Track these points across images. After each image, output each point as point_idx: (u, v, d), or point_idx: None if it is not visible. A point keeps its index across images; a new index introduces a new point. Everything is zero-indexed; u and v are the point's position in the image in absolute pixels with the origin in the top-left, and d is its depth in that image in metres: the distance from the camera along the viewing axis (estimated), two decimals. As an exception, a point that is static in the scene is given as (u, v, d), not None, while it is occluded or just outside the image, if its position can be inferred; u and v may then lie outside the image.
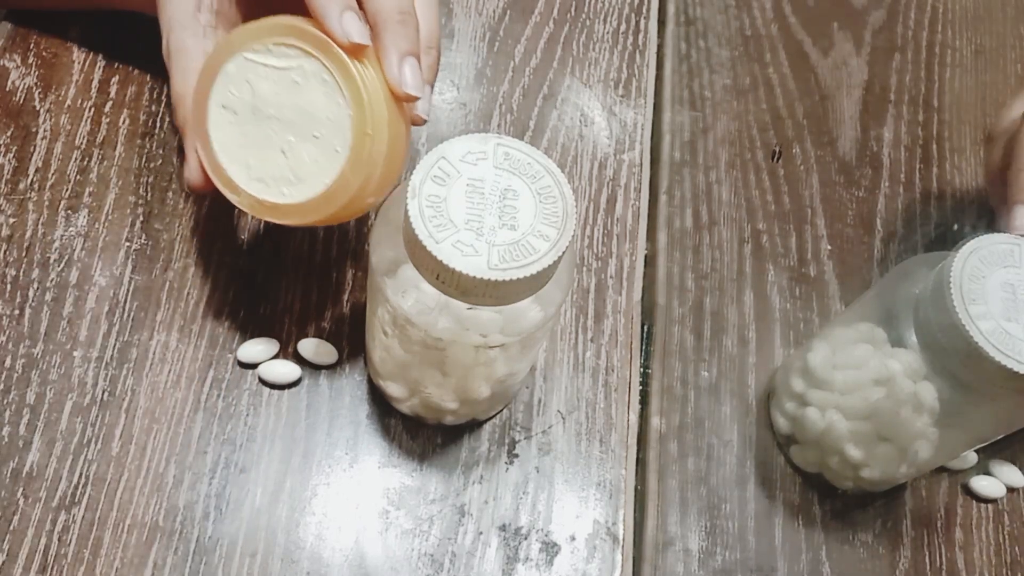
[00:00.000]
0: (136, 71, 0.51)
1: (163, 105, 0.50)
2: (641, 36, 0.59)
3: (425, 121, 0.37)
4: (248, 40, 0.35)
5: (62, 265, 0.45)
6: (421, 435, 0.44)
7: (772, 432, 0.47)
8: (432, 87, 0.39)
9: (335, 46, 0.34)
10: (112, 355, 0.43)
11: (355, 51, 0.34)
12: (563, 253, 0.31)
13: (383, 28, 0.35)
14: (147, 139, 0.49)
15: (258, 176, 0.36)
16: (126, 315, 0.44)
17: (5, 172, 0.47)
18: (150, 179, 0.48)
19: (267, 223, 0.45)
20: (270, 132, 0.36)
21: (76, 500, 0.40)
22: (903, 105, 0.60)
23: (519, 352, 0.38)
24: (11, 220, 0.46)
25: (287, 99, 0.35)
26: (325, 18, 0.34)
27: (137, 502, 0.41)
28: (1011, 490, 0.47)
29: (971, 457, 0.47)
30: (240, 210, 0.39)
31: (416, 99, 0.35)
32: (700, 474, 0.46)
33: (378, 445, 0.43)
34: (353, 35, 0.33)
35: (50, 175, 0.47)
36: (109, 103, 0.50)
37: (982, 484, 0.47)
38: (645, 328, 0.49)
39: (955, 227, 0.52)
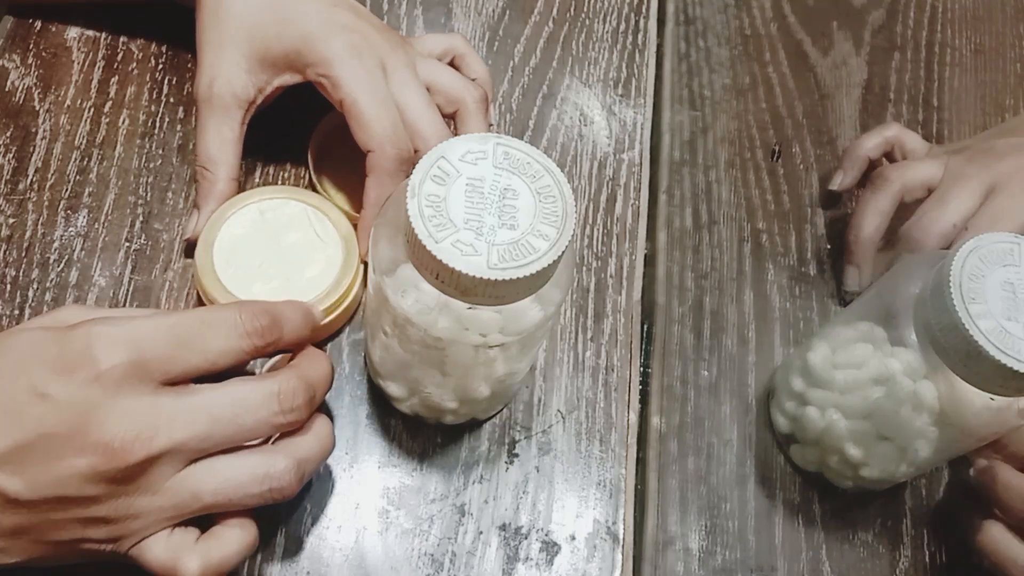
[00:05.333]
0: (136, 71, 0.51)
1: (163, 105, 0.50)
2: (640, 35, 0.59)
3: None
4: (313, 199, 0.46)
5: (62, 265, 0.45)
6: (421, 435, 0.44)
7: (772, 431, 0.47)
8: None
9: (357, 254, 0.45)
10: (112, 355, 0.43)
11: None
12: (563, 252, 0.31)
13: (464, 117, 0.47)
14: (147, 139, 0.49)
15: (230, 261, 0.44)
16: (126, 315, 0.44)
17: (5, 172, 0.47)
18: (150, 179, 0.48)
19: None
20: (266, 251, 0.44)
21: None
22: (903, 104, 0.60)
23: (519, 352, 0.38)
24: (11, 220, 0.46)
25: (300, 250, 0.45)
26: (360, 239, 0.45)
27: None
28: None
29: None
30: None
31: None
32: (700, 473, 0.46)
33: (378, 445, 0.43)
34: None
35: (50, 175, 0.47)
36: (109, 103, 0.50)
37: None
38: (645, 327, 0.49)
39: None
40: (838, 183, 0.53)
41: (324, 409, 0.44)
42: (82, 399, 0.31)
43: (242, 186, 0.47)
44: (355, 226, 0.46)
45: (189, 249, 0.46)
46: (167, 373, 0.33)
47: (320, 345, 0.45)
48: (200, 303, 0.44)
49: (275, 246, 0.44)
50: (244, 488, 0.34)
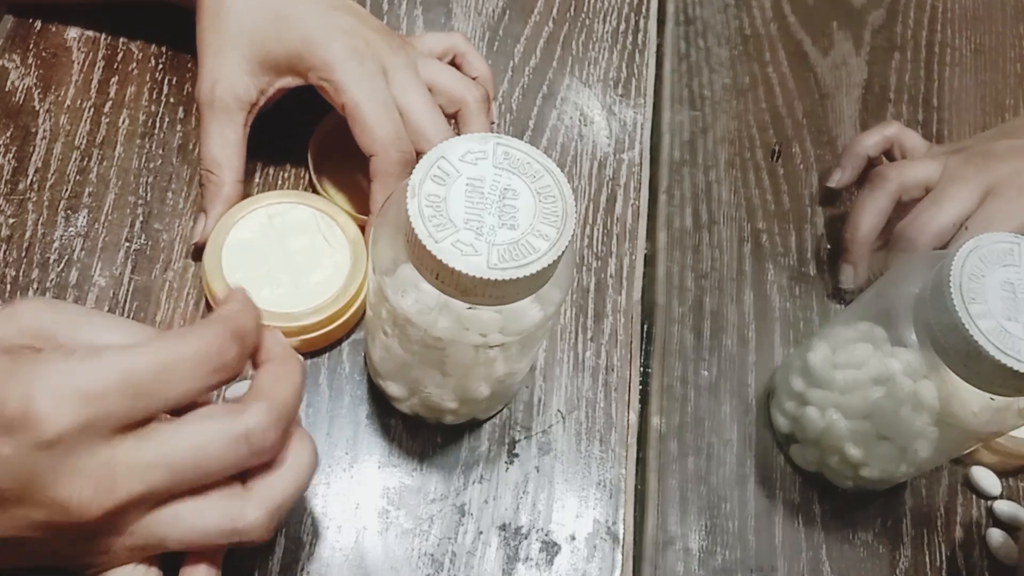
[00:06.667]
0: (136, 71, 0.51)
1: (163, 105, 0.50)
2: (640, 35, 0.59)
3: None
4: (321, 204, 0.46)
5: (62, 265, 0.45)
6: (421, 435, 0.44)
7: (772, 431, 0.47)
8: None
9: (365, 259, 0.45)
10: (112, 355, 0.43)
11: None
12: (563, 252, 0.31)
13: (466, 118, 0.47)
14: (147, 139, 0.49)
15: (238, 266, 0.44)
16: (126, 316, 0.44)
17: (5, 172, 0.47)
18: (150, 179, 0.48)
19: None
20: (274, 255, 0.44)
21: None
22: (903, 104, 0.60)
23: (519, 352, 0.38)
24: (11, 220, 0.46)
25: (308, 255, 0.45)
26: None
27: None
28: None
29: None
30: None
31: None
32: (700, 473, 0.46)
33: (378, 445, 0.43)
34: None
35: (50, 175, 0.47)
36: (109, 103, 0.50)
37: (980, 475, 0.47)
38: (645, 327, 0.49)
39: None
40: (836, 180, 0.53)
41: (325, 409, 0.44)
42: (29, 461, 0.28)
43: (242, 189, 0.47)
44: (362, 229, 0.46)
45: (196, 253, 0.45)
46: (121, 424, 0.29)
47: (324, 348, 0.45)
48: (208, 307, 0.44)
49: (283, 251, 0.44)
50: (210, 538, 0.32)
